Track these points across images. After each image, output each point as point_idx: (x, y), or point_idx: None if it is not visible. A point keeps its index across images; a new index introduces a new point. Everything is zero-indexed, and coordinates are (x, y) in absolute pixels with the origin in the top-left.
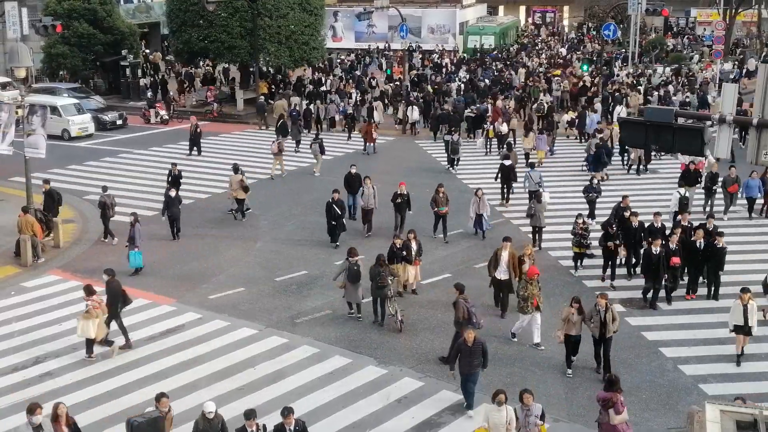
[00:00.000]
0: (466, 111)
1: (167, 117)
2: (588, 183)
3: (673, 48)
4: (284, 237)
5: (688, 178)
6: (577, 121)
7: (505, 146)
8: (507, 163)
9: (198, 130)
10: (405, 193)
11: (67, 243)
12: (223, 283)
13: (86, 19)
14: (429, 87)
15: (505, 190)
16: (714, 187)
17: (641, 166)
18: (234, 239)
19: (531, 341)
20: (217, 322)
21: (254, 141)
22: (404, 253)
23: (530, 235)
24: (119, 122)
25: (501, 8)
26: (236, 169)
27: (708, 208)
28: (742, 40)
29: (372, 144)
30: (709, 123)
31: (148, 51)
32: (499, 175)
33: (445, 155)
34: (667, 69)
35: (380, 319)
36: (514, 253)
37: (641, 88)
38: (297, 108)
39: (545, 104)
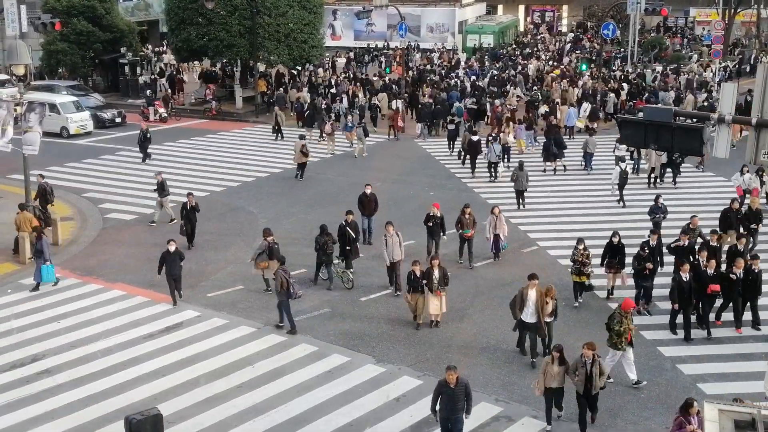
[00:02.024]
0: (468, 104)
1: (166, 115)
2: (653, 203)
3: (668, 46)
4: (283, 235)
5: (727, 220)
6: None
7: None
8: (474, 138)
9: (147, 135)
10: (439, 215)
11: (66, 240)
12: (222, 281)
13: (85, 16)
14: (425, 86)
15: (473, 163)
16: (757, 226)
17: (658, 178)
18: (232, 237)
19: (628, 381)
20: (215, 320)
21: (253, 139)
22: (425, 281)
23: (515, 199)
24: (118, 120)
25: (500, 7)
26: (301, 136)
27: (751, 246)
28: (741, 40)
29: (399, 132)
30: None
31: (157, 49)
32: (467, 150)
33: (447, 153)
34: (658, 67)
35: (315, 281)
36: (543, 291)
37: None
38: (302, 101)
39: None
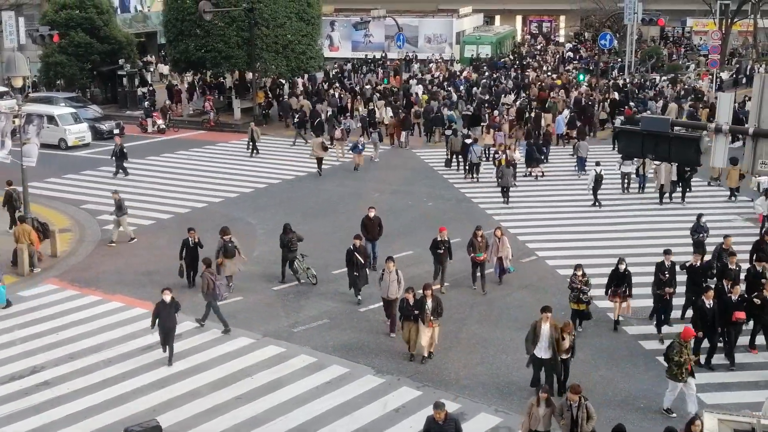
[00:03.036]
0: (463, 110)
1: (164, 126)
2: (695, 222)
3: (665, 56)
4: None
5: (762, 252)
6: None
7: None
8: (468, 141)
9: (123, 150)
10: (447, 239)
11: (64, 252)
12: None
13: (83, 28)
14: (424, 95)
15: (466, 166)
16: None
17: (669, 194)
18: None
19: (687, 412)
20: (214, 331)
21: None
22: (416, 311)
23: (500, 195)
24: (116, 131)
25: (497, 18)
26: (320, 131)
27: None
28: (738, 50)
29: (400, 140)
30: (705, 132)
31: (146, 59)
32: (459, 152)
33: (443, 163)
34: (655, 77)
35: (288, 278)
36: (557, 325)
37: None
38: (304, 109)
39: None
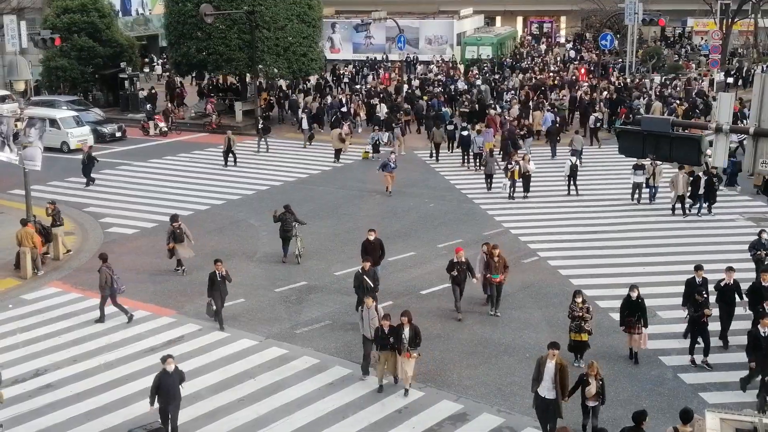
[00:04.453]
0: (462, 107)
1: (166, 129)
2: (756, 238)
3: (666, 56)
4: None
5: None
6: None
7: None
8: (465, 133)
9: (91, 157)
10: (464, 260)
11: (67, 255)
12: None
13: (85, 32)
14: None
15: (465, 157)
16: None
17: (682, 206)
18: (233, 250)
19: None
20: (216, 333)
21: (252, 152)
22: (392, 339)
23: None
24: (118, 134)
25: (498, 19)
26: (338, 124)
27: None
28: (739, 50)
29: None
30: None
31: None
32: (460, 144)
33: (446, 162)
34: (656, 77)
35: (285, 256)
36: (564, 363)
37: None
38: (309, 106)
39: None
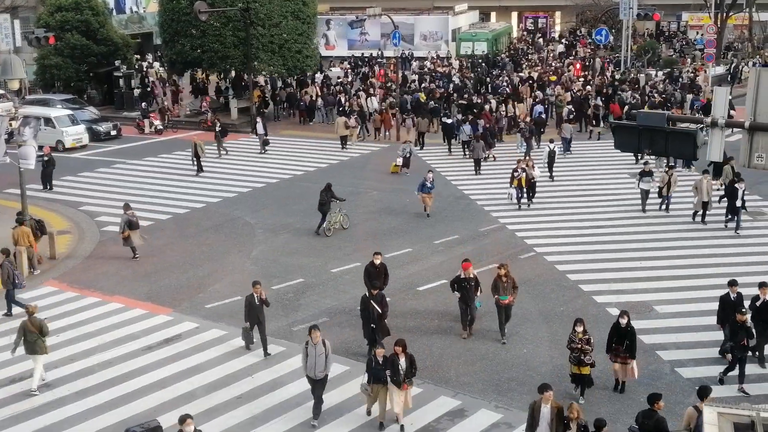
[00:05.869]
0: (459, 100)
1: (162, 127)
2: None
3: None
4: (280, 245)
5: None
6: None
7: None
8: (448, 121)
9: (51, 160)
10: (472, 276)
11: (63, 254)
12: (220, 292)
13: (79, 30)
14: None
15: (449, 146)
16: None
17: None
18: (230, 248)
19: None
20: (214, 331)
21: (248, 149)
22: (388, 371)
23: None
24: (113, 133)
25: (493, 14)
26: (343, 113)
27: None
28: (734, 44)
29: (389, 131)
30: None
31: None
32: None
33: (444, 157)
34: (651, 72)
35: (318, 229)
36: (560, 406)
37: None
38: (305, 97)
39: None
